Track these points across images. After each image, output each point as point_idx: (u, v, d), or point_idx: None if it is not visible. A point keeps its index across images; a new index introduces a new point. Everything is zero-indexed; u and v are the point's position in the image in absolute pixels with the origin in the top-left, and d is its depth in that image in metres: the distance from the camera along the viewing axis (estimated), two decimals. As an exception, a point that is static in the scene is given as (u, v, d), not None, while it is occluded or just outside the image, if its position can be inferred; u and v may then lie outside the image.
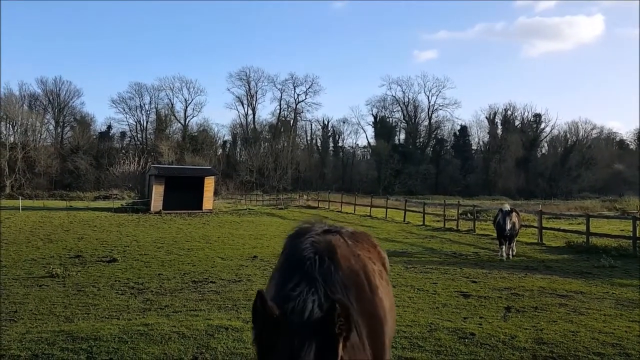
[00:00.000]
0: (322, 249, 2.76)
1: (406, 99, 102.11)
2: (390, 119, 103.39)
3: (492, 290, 10.48)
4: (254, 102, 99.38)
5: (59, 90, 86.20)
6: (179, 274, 12.42)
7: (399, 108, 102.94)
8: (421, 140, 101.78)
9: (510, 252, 15.68)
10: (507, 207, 16.36)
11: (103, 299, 9.49)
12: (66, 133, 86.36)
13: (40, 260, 14.89)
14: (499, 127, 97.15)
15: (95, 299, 9.49)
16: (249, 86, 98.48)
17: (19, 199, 45.83)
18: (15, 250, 16.89)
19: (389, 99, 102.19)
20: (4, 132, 78.01)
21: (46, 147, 79.01)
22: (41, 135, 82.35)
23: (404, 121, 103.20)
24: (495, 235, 17.53)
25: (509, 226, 15.27)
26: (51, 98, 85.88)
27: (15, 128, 77.97)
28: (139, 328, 7.01)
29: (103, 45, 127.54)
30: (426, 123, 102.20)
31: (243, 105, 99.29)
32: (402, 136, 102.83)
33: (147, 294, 10.01)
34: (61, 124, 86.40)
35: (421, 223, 27.96)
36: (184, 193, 38.57)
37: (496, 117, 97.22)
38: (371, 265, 3.11)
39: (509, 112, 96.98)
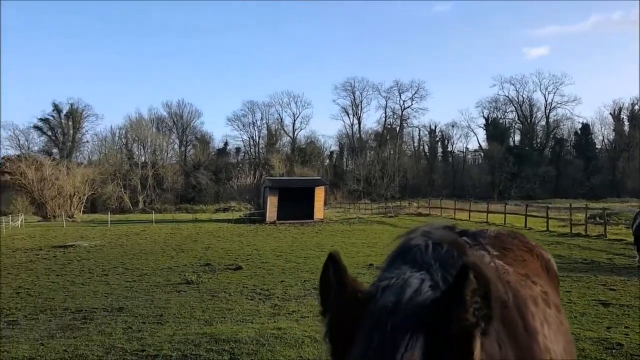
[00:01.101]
0: (442, 238, 1.73)
1: (520, 98, 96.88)
2: (504, 120, 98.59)
3: (635, 298, 9.60)
4: (359, 112, 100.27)
5: (182, 112, 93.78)
6: (299, 281, 12.87)
7: (513, 108, 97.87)
8: (538, 141, 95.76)
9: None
10: (646, 209, 14.85)
11: (235, 303, 10.13)
12: (189, 151, 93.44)
13: (175, 268, 16.25)
14: (626, 123, 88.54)
15: (229, 303, 10.17)
16: (353, 96, 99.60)
17: (151, 213, 50.39)
18: (154, 260, 18.59)
19: (501, 99, 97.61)
20: (136, 153, 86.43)
21: (172, 164, 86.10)
22: (167, 154, 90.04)
23: (518, 122, 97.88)
24: (632, 240, 16.00)
25: (650, 230, 13.84)
26: (175, 119, 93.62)
27: (146, 149, 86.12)
28: (273, 332, 7.41)
29: (219, 68, 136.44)
30: (543, 122, 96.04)
31: (348, 115, 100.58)
32: (517, 137, 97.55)
33: (274, 300, 10.52)
34: (184, 143, 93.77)
35: (544, 229, 26.27)
36: (296, 203, 39.80)
37: (622, 112, 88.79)
38: (527, 292, 2.01)
39: (637, 107, 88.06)
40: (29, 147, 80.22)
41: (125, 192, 74.70)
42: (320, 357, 6.32)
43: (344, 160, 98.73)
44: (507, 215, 31.57)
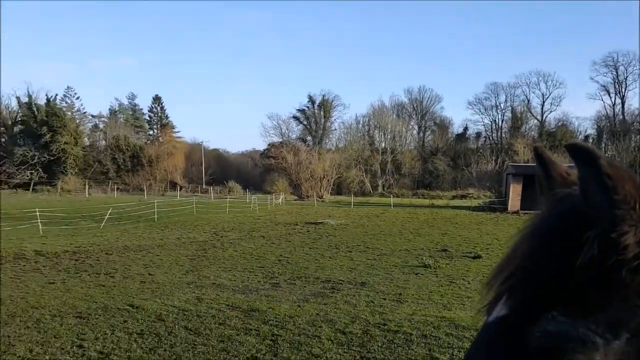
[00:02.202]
0: None
1: None
2: None
3: None
4: (623, 90, 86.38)
5: (422, 98, 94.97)
6: (546, 277, 11.80)
7: None
8: None
9: None
10: None
11: (475, 292, 9.83)
12: (427, 137, 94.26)
13: (412, 251, 16.60)
14: None
15: (468, 291, 9.93)
16: (616, 72, 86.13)
17: (389, 197, 52.53)
18: (392, 241, 19.35)
19: None
20: (377, 139, 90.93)
21: (410, 150, 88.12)
22: (406, 140, 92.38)
23: None
24: None
25: None
26: (415, 105, 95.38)
27: (386, 135, 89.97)
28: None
29: (461, 51, 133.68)
30: None
31: (609, 94, 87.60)
32: None
33: (517, 293, 9.87)
34: (423, 128, 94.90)
35: None
36: (543, 192, 36.58)
37: None
38: None
39: None
40: (289, 135, 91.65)
41: (366, 177, 79.44)
42: None
43: (602, 145, 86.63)
44: None
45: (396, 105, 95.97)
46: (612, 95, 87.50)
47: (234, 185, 72.11)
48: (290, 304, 8.68)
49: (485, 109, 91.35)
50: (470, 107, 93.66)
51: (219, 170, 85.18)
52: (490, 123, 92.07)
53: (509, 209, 36.69)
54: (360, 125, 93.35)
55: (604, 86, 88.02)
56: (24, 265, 12.91)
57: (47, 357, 5.92)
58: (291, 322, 7.39)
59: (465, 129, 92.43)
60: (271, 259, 14.53)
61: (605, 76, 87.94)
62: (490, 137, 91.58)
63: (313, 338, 6.58)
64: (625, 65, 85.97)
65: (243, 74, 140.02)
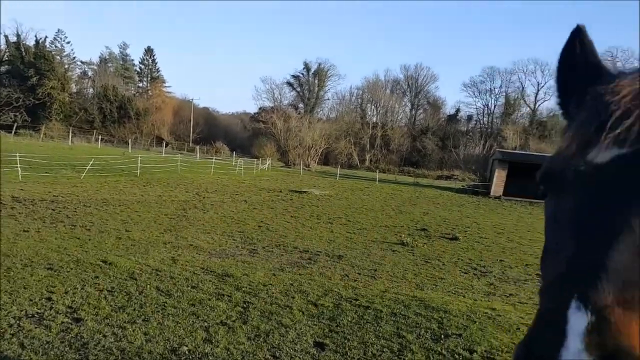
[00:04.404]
0: None
1: None
2: None
3: None
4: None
5: (418, 76, 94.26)
6: (521, 264, 11.96)
7: None
8: None
9: None
10: None
11: (448, 274, 9.94)
12: (419, 115, 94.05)
13: (392, 227, 16.70)
14: None
15: (441, 272, 10.02)
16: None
17: (375, 172, 52.63)
18: (373, 216, 19.44)
19: None
20: (369, 113, 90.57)
21: (400, 127, 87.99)
22: (398, 116, 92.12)
23: None
24: None
25: None
26: (410, 83, 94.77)
27: (378, 109, 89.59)
28: (486, 311, 7.04)
29: (459, 31, 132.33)
30: None
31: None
32: None
33: (490, 278, 9.99)
34: (415, 106, 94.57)
35: None
36: (527, 180, 36.87)
37: None
38: None
39: None
40: (281, 100, 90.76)
41: (354, 149, 79.34)
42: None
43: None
44: None
45: (391, 81, 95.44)
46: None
47: (222, 147, 71.55)
48: (266, 272, 8.68)
49: (480, 92, 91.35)
50: (465, 89, 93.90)
51: (207, 129, 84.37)
52: (482, 107, 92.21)
53: (491, 193, 37.02)
54: (354, 98, 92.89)
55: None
56: None
57: (15, 308, 5.85)
58: (264, 290, 7.40)
59: (458, 110, 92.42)
60: (251, 225, 14.50)
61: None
62: (481, 121, 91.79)
63: (284, 308, 6.59)
64: (623, 62, 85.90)
65: (239, 34, 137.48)
